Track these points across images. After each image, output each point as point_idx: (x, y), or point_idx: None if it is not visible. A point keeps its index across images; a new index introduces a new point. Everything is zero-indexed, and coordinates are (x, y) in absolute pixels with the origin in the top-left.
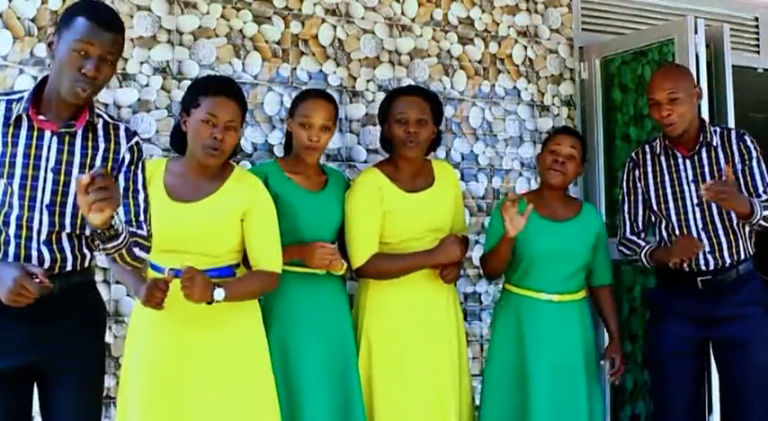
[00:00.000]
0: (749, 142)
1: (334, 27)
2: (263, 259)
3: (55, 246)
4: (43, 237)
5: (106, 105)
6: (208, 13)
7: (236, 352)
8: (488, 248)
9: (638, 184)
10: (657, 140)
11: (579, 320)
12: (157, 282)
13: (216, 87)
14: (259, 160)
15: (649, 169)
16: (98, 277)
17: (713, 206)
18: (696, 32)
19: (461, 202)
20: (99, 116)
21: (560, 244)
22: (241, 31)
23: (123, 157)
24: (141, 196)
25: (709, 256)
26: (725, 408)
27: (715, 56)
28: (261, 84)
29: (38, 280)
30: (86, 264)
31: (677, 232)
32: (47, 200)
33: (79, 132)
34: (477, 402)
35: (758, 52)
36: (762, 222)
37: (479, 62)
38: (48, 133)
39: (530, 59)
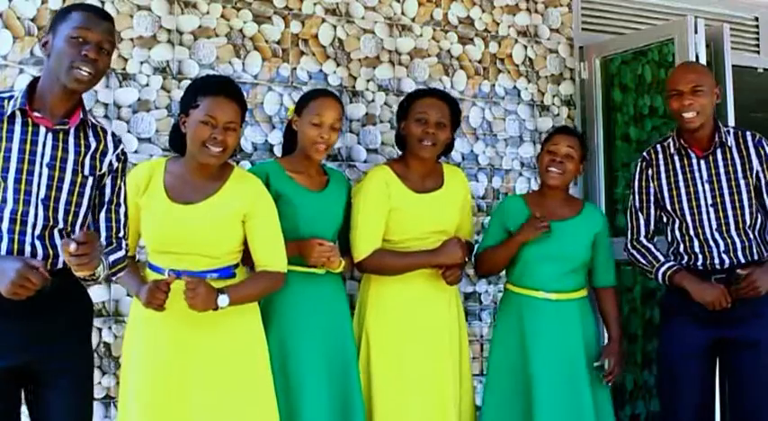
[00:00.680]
0: (767, 147)
1: (334, 27)
2: (268, 260)
3: (48, 242)
4: (38, 231)
5: (106, 105)
6: (208, 12)
7: (235, 351)
8: (484, 246)
9: (651, 184)
10: (670, 140)
11: (579, 319)
12: (158, 284)
13: (215, 87)
14: (259, 160)
15: (662, 169)
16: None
17: (728, 206)
18: (696, 32)
19: (470, 209)
20: (89, 118)
21: (555, 243)
22: (241, 30)
23: (111, 163)
24: (122, 210)
25: (724, 256)
26: (734, 409)
27: (715, 56)
28: (261, 83)
29: (39, 272)
30: None
31: (691, 232)
32: (42, 194)
33: (72, 130)
34: (478, 402)
35: (758, 52)
36: None
37: (479, 62)
38: (42, 129)
39: (530, 59)
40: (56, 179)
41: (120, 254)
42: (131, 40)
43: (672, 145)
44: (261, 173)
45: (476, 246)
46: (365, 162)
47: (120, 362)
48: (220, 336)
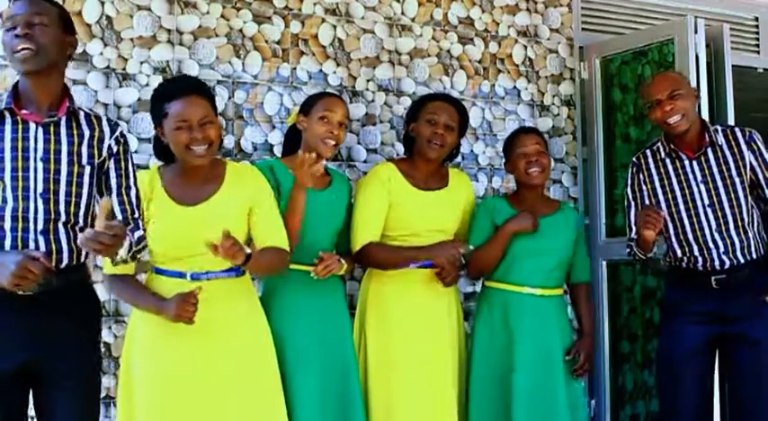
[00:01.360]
0: (759, 141)
1: (334, 27)
2: (275, 239)
3: (52, 237)
4: (40, 226)
5: (106, 105)
6: (208, 12)
7: (242, 352)
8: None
9: (644, 188)
10: (659, 144)
11: (558, 316)
12: (186, 297)
13: (176, 90)
14: (259, 160)
15: (654, 172)
16: (99, 277)
17: (725, 205)
18: (696, 32)
19: (473, 214)
20: (80, 108)
21: (541, 238)
22: (241, 30)
23: (110, 147)
24: (133, 192)
25: (724, 257)
26: (734, 408)
27: (715, 56)
28: (261, 83)
29: (40, 262)
30: (82, 259)
31: (689, 235)
32: (40, 188)
33: (63, 122)
34: None
35: (758, 52)
36: None
37: (479, 62)
38: (32, 125)
39: (530, 59)
40: (52, 172)
41: (140, 233)
42: (131, 40)
43: (662, 150)
44: (265, 167)
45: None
46: (365, 162)
47: (120, 363)
48: (228, 338)
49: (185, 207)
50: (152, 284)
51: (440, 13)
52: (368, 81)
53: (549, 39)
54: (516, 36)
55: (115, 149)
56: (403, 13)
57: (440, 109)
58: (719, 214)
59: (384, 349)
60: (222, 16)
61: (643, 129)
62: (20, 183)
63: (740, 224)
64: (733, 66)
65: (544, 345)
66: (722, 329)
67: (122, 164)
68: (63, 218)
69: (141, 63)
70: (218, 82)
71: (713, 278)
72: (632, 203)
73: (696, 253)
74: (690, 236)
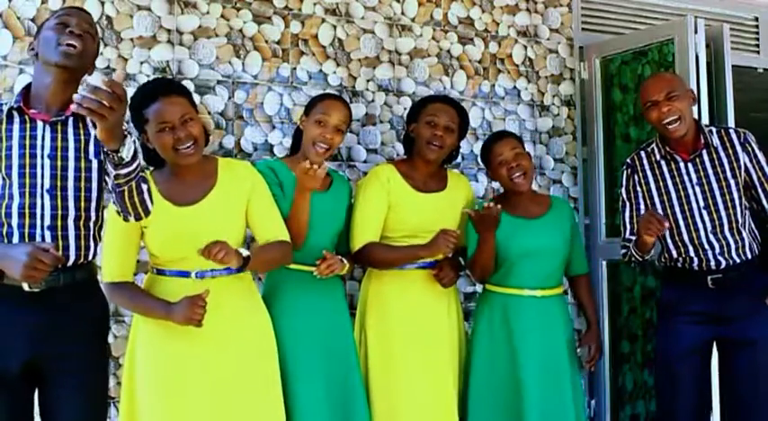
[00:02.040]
0: (753, 143)
1: (334, 27)
2: (275, 232)
3: (59, 233)
4: (47, 222)
5: None
6: (208, 12)
7: (245, 353)
8: (471, 253)
9: (639, 189)
10: (654, 146)
11: (560, 314)
12: (195, 300)
13: (151, 94)
14: (259, 160)
15: (649, 174)
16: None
17: (720, 207)
18: (696, 32)
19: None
20: None
21: (539, 240)
22: (241, 30)
23: None
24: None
25: (719, 257)
26: (731, 408)
27: (715, 56)
28: (261, 83)
29: (50, 253)
30: (89, 258)
31: (685, 237)
32: (47, 184)
33: (70, 121)
34: None
35: (758, 52)
36: None
37: (479, 62)
38: (40, 123)
39: (530, 59)
40: (59, 168)
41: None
42: (131, 40)
43: (657, 152)
44: (267, 168)
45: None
46: (365, 162)
47: (121, 363)
48: (232, 337)
49: (182, 207)
50: (154, 285)
51: (440, 13)
52: (368, 81)
53: (549, 39)
54: (516, 36)
55: None
56: (403, 13)
57: (440, 111)
58: (715, 216)
59: (384, 349)
60: (222, 16)
61: (643, 129)
62: (27, 180)
63: (735, 225)
64: (733, 66)
65: (548, 347)
66: (719, 329)
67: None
68: (72, 213)
69: (141, 63)
70: (218, 82)
71: (709, 278)
72: (627, 204)
73: (692, 253)
74: (685, 237)
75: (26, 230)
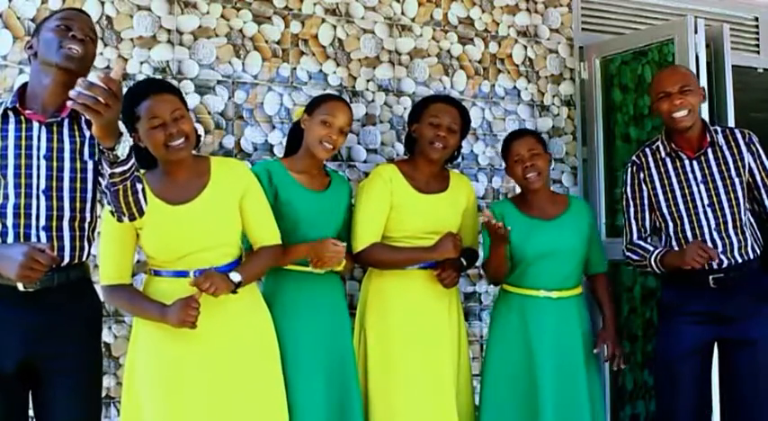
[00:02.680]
0: (757, 143)
1: (334, 27)
2: (265, 235)
3: (54, 233)
4: (42, 222)
5: None
6: (208, 12)
7: (247, 350)
8: (486, 255)
9: (644, 187)
10: (659, 143)
11: (578, 315)
12: (188, 301)
13: (143, 91)
14: (259, 160)
15: (654, 171)
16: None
17: (724, 205)
18: (696, 32)
19: (475, 216)
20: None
21: (555, 241)
22: (241, 30)
23: None
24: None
25: (722, 256)
26: (731, 408)
27: (715, 56)
28: (261, 84)
29: (46, 253)
30: (83, 258)
31: (689, 234)
32: (42, 185)
33: (66, 122)
34: (477, 402)
35: (758, 52)
36: None
37: (479, 62)
38: (36, 124)
39: (530, 59)
40: (55, 169)
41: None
42: (131, 40)
43: (662, 149)
44: (263, 171)
45: (480, 255)
46: (365, 162)
47: (121, 363)
48: (233, 337)
49: (176, 206)
50: (152, 286)
51: (440, 13)
52: (368, 81)
53: (548, 39)
54: (516, 36)
55: None
56: (403, 13)
57: (442, 111)
58: (719, 214)
59: (384, 349)
60: (222, 16)
61: (643, 129)
62: (23, 181)
63: (738, 224)
64: (733, 66)
65: (565, 348)
66: (719, 329)
67: None
68: (68, 214)
69: (141, 63)
70: (218, 82)
71: (711, 277)
72: (631, 204)
73: None
74: (689, 234)
75: (21, 231)
